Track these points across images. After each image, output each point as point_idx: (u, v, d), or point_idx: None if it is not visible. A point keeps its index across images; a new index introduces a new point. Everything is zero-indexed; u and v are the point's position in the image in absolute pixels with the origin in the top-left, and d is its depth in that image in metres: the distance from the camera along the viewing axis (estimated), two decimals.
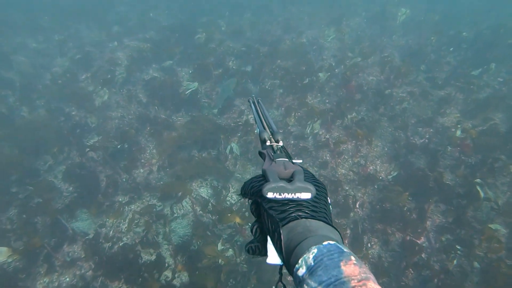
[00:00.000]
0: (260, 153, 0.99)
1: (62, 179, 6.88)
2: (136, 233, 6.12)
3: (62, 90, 8.56)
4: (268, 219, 0.79)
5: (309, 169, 1.00)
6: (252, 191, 0.86)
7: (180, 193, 6.30)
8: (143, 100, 8.09)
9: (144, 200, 6.57)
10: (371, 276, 0.60)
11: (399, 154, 7.02)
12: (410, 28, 10.77)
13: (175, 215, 6.22)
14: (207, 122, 7.58)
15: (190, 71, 9.01)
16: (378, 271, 5.24)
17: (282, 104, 7.91)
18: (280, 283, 0.86)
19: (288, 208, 0.77)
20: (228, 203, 6.60)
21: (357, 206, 6.32)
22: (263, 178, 0.86)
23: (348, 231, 5.97)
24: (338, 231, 0.76)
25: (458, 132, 7.19)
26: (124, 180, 6.88)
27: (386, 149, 7.20)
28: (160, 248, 5.70)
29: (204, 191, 6.87)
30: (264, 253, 0.81)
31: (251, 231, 0.86)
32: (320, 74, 8.45)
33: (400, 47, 9.98)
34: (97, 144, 7.46)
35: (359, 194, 6.47)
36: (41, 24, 11.01)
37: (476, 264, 5.18)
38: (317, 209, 0.79)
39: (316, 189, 0.81)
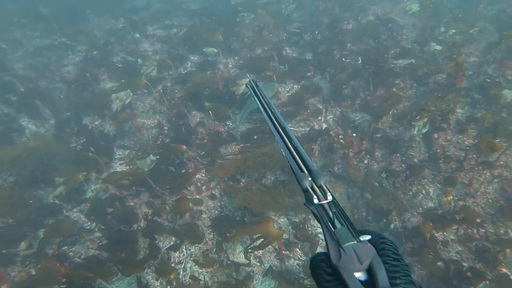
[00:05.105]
0: (310, 210, 0.87)
1: (87, 218, 4.99)
2: None
3: (77, 94, 6.65)
4: None
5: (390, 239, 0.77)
6: None
7: (259, 235, 4.35)
8: (186, 102, 6.14)
9: (207, 244, 4.67)
10: None
11: None
12: None
13: (256, 270, 4.32)
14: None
15: (240, 62, 7.06)
16: None
17: (372, 100, 5.94)
18: None
19: None
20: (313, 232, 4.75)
21: None
22: (333, 271, 0.71)
23: None
24: None
25: None
26: (171, 215, 4.97)
27: None
28: None
29: (284, 222, 5.02)
30: None
31: None
32: (410, 59, 6.46)
33: (493, 18, 7.93)
34: (131, 165, 5.56)
35: None
36: (42, 13, 8.98)
37: None
38: None
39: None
